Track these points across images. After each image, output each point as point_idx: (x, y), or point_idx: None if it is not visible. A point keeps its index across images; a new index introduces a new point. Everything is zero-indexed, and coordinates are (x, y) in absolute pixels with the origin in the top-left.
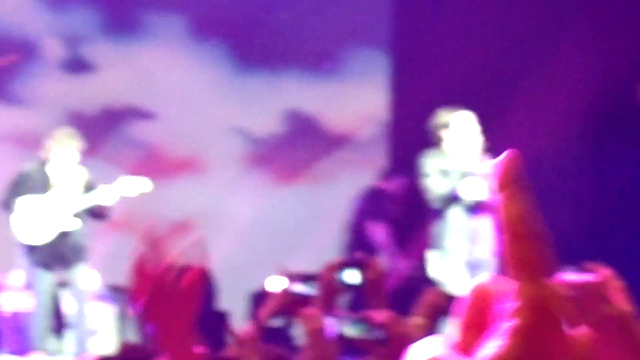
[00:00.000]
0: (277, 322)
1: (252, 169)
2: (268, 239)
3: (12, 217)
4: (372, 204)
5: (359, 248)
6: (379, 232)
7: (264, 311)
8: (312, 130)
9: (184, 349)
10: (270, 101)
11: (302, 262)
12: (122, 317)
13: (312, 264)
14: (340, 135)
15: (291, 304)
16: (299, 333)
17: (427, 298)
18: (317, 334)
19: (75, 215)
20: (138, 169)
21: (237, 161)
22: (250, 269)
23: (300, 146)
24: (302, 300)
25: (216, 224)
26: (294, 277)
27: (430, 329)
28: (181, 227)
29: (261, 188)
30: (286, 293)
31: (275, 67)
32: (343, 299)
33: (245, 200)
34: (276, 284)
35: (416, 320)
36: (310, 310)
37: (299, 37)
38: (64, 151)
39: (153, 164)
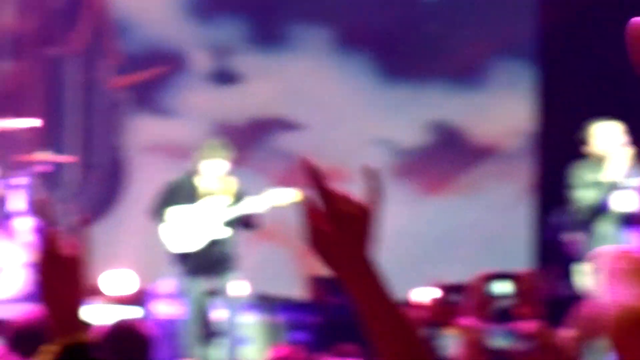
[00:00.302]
0: (423, 333)
1: (397, 180)
2: (413, 250)
3: (162, 227)
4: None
5: (552, 260)
6: (573, 244)
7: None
8: (457, 142)
9: None
10: (415, 112)
11: (448, 273)
12: (271, 326)
13: (458, 275)
14: (486, 146)
15: (442, 314)
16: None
17: (581, 310)
18: (474, 345)
19: (226, 225)
20: (284, 179)
21: (382, 172)
22: (396, 280)
23: (445, 157)
24: (453, 311)
25: None
26: (444, 288)
27: (584, 342)
28: None
29: (406, 199)
30: (437, 303)
31: (421, 77)
32: (492, 310)
33: (389, 211)
34: (425, 295)
35: (570, 332)
36: (467, 321)
37: (445, 47)
38: (213, 162)
39: (299, 174)
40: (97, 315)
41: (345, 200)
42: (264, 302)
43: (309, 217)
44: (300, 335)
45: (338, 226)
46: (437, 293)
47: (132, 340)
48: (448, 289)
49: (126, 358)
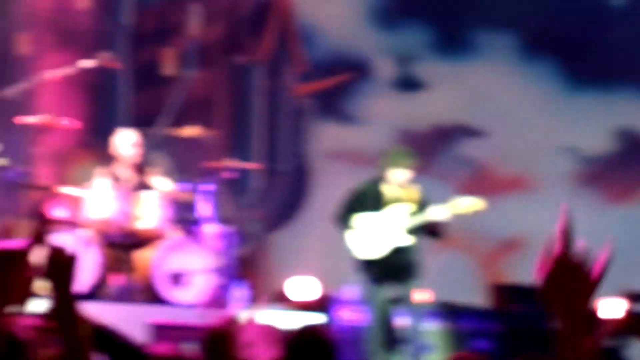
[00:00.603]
0: (611, 342)
1: (583, 188)
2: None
3: (348, 233)
4: None
5: None
6: None
7: (601, 331)
8: None
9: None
10: (602, 119)
11: (635, 282)
12: (454, 334)
13: None
14: None
15: (631, 324)
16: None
17: None
18: None
19: (409, 232)
20: (468, 187)
21: (567, 180)
22: None
23: (632, 166)
24: None
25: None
26: (632, 298)
27: None
28: (510, 246)
29: (592, 207)
30: (625, 313)
31: (608, 83)
32: None
33: (575, 219)
34: (613, 304)
35: None
36: None
37: (633, 52)
38: (397, 169)
39: (483, 181)
40: (282, 320)
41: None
42: (447, 310)
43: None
44: (483, 344)
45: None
46: (626, 303)
47: (318, 346)
48: (636, 298)
49: None
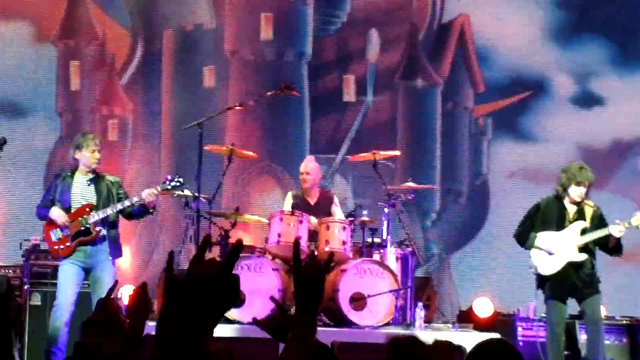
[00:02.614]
0: None
1: None
2: None
3: (531, 250)
4: None
5: None
6: None
7: None
8: None
9: None
10: None
11: None
12: (634, 349)
13: None
14: None
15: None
16: None
17: None
18: None
19: (586, 248)
20: None
21: None
22: None
23: None
24: None
25: None
26: None
27: None
28: None
29: None
30: None
31: None
32: None
33: None
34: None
35: None
36: None
37: None
38: (578, 185)
39: None
40: (463, 340)
41: None
42: (628, 325)
43: None
44: None
45: None
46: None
47: (504, 354)
48: None
49: None
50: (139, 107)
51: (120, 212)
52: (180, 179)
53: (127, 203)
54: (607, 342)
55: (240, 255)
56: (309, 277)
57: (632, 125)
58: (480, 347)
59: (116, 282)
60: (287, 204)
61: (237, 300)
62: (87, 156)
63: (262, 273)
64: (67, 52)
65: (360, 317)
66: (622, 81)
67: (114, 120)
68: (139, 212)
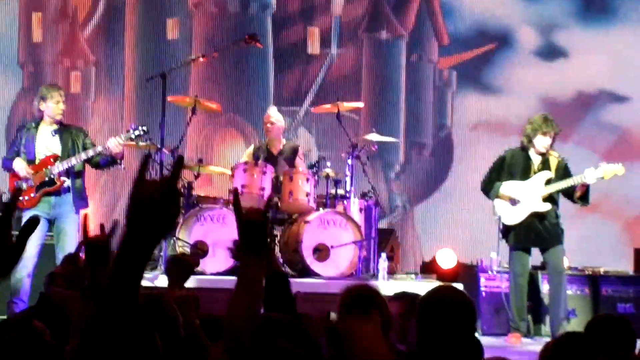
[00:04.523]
0: None
1: None
2: None
3: (495, 201)
4: None
5: None
6: None
7: None
8: None
9: None
10: None
11: None
12: (596, 299)
13: None
14: None
15: None
16: None
17: None
18: None
19: (550, 198)
20: (611, 153)
21: None
22: None
23: None
24: None
25: None
26: None
27: None
28: None
29: None
30: None
31: None
32: None
33: None
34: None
35: None
36: None
37: None
38: (543, 136)
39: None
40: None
41: None
42: (590, 275)
43: None
44: (626, 309)
45: None
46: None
47: (455, 304)
48: None
49: (447, 320)
50: (101, 59)
51: (88, 162)
52: (144, 128)
53: (91, 153)
54: (569, 292)
55: (204, 206)
56: (252, 223)
57: (596, 77)
58: (432, 293)
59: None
60: (247, 155)
61: (178, 215)
62: (52, 107)
63: (225, 224)
64: (30, 3)
65: (323, 268)
66: (585, 34)
67: (76, 72)
68: (106, 161)
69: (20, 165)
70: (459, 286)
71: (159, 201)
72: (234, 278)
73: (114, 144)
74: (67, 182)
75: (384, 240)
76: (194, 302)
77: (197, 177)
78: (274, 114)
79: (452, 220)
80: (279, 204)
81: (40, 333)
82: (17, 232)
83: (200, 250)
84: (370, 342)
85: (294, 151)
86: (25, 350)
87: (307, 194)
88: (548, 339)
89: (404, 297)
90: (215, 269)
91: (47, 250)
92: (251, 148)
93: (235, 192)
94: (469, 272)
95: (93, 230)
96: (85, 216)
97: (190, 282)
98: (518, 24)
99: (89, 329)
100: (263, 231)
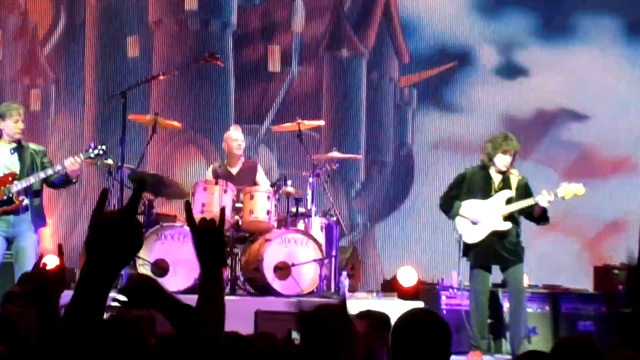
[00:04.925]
0: None
1: None
2: None
3: (455, 219)
4: None
5: None
6: None
7: None
8: None
9: None
10: None
11: None
12: (557, 317)
13: None
14: None
15: None
16: None
17: None
18: None
19: (511, 217)
20: (571, 171)
21: None
22: None
23: None
24: None
25: None
26: None
27: None
28: (614, 228)
29: None
30: None
31: None
32: None
33: None
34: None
35: None
36: None
37: None
38: (503, 154)
39: (586, 165)
40: (388, 309)
41: None
42: (551, 293)
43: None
44: (587, 326)
45: None
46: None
47: (432, 326)
48: None
49: (424, 344)
50: (61, 77)
51: (44, 181)
52: (103, 147)
53: (50, 172)
54: (529, 310)
55: (164, 225)
56: (206, 232)
57: (556, 95)
58: (407, 316)
59: (41, 256)
60: (208, 177)
61: (141, 245)
62: (10, 126)
63: (186, 242)
64: None
65: (284, 286)
66: (545, 52)
67: (36, 90)
68: (62, 181)
69: None
70: (420, 304)
71: (118, 232)
72: (194, 296)
73: (70, 162)
74: (26, 201)
75: (346, 259)
76: (150, 322)
77: (157, 195)
78: (240, 133)
79: (413, 239)
80: (240, 222)
81: None
82: None
83: (160, 268)
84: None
85: (253, 169)
86: None
87: (268, 212)
88: (509, 357)
89: (368, 316)
90: (176, 287)
91: (5, 269)
92: (210, 169)
93: (187, 204)
94: (430, 290)
95: (52, 250)
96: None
97: None
98: (478, 43)
99: (45, 349)
100: (219, 240)
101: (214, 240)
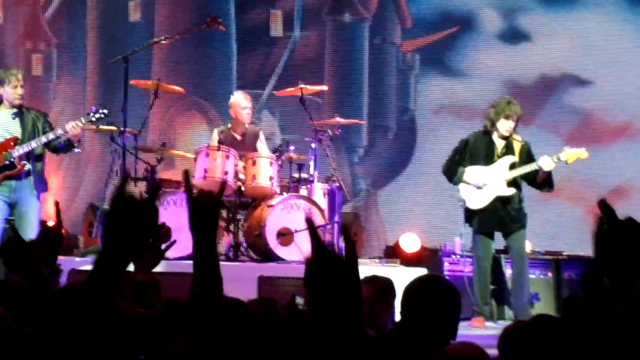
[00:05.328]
0: None
1: None
2: None
3: (458, 185)
4: None
5: None
6: None
7: None
8: None
9: None
10: None
11: None
12: (558, 283)
13: None
14: None
15: None
16: None
17: None
18: None
19: (514, 183)
20: (574, 136)
21: None
22: None
23: None
24: None
25: None
26: None
27: None
28: (618, 194)
29: None
30: None
31: None
32: None
33: None
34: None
35: None
36: None
37: None
38: (506, 119)
39: (589, 130)
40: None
41: None
42: (553, 259)
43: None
44: None
45: None
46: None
47: (441, 291)
48: None
49: (435, 310)
50: (63, 41)
51: (46, 145)
52: (105, 111)
53: (51, 136)
54: (532, 276)
55: (166, 190)
56: (202, 206)
57: (559, 60)
58: (417, 282)
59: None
60: (214, 140)
61: (156, 232)
62: (9, 92)
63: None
64: None
65: (287, 252)
66: (548, 17)
67: (38, 55)
68: (64, 145)
69: None
70: (423, 270)
71: (136, 222)
72: None
73: (72, 126)
74: (28, 166)
75: (349, 225)
76: (155, 287)
77: (159, 161)
78: (249, 102)
79: (415, 204)
80: (242, 188)
81: (3, 318)
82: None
83: (167, 236)
84: None
85: (255, 136)
86: None
87: (271, 178)
88: (511, 323)
89: (373, 281)
90: (178, 253)
91: (7, 234)
92: (215, 132)
93: (185, 173)
94: (432, 257)
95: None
96: (57, 203)
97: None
98: (481, 7)
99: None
100: (214, 214)
101: (209, 213)
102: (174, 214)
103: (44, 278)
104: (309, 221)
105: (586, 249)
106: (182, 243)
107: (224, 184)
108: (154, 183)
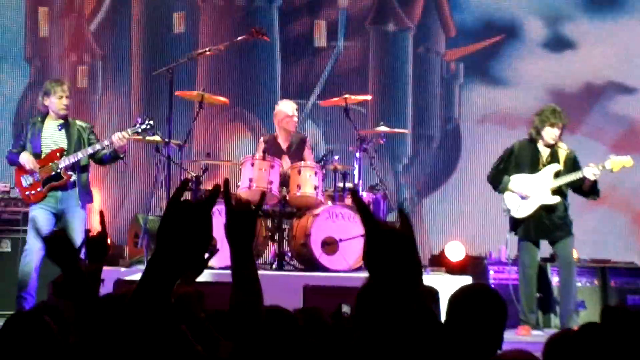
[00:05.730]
0: None
1: None
2: None
3: (504, 193)
4: None
5: None
6: None
7: None
8: None
9: None
10: None
11: None
12: (604, 291)
13: None
14: None
15: None
16: None
17: None
18: None
19: (559, 191)
20: (619, 144)
21: None
22: None
23: None
24: None
25: None
26: None
27: None
28: None
29: None
30: None
31: None
32: None
33: None
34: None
35: None
36: None
37: None
38: (551, 127)
39: (635, 138)
40: (436, 284)
41: None
42: (599, 267)
43: None
44: (635, 301)
45: None
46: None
47: (488, 301)
48: None
49: (481, 319)
50: (108, 53)
51: (91, 157)
52: (151, 122)
53: (97, 147)
54: (578, 284)
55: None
56: (239, 215)
57: (604, 68)
58: (464, 291)
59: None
60: (259, 149)
61: (210, 243)
62: (55, 102)
63: None
64: None
65: (332, 261)
66: (593, 25)
67: (83, 66)
68: (110, 157)
69: (26, 159)
70: (468, 279)
71: (191, 227)
72: None
73: (118, 137)
74: (74, 177)
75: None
76: (198, 297)
77: (204, 171)
78: (295, 110)
79: (460, 213)
80: (287, 198)
81: (50, 327)
82: (25, 229)
83: (210, 245)
84: None
85: (303, 142)
86: (38, 342)
87: (315, 187)
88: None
89: None
90: (224, 263)
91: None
92: (261, 141)
93: (225, 182)
94: (477, 265)
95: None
96: (101, 213)
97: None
98: (525, 16)
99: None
100: (251, 223)
101: (246, 222)
102: (218, 223)
103: (82, 276)
104: (355, 194)
105: (633, 256)
106: (226, 252)
107: (264, 193)
108: (207, 192)
